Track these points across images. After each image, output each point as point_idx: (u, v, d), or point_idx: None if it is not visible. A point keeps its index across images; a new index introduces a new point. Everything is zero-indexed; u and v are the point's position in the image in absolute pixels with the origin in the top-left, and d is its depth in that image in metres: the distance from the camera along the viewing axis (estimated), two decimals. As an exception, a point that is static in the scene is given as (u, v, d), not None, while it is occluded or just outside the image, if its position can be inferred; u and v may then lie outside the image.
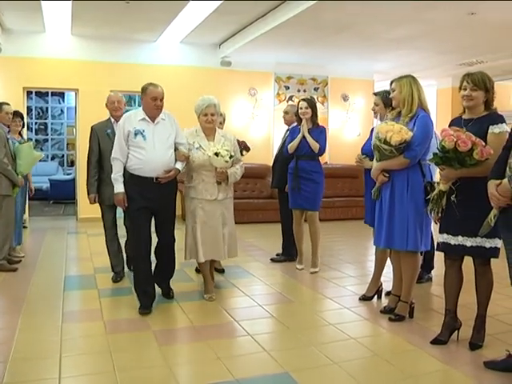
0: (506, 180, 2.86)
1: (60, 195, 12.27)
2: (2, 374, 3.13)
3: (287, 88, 10.99)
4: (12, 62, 8.93)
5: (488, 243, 3.38)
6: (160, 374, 3.20)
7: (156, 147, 4.30)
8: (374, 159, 4.15)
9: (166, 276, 4.73)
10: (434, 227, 3.96)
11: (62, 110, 15.49)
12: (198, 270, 5.38)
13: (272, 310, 4.47)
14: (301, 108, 5.75)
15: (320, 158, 5.89)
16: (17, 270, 5.71)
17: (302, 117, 5.73)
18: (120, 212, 4.99)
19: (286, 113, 6.37)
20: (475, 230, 3.32)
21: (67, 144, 15.41)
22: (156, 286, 4.59)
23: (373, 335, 3.98)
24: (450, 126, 3.56)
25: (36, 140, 14.36)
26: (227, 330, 4.01)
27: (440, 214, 3.58)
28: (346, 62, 10.77)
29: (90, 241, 7.56)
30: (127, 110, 4.99)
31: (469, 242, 3.42)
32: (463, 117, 3.58)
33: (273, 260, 6.37)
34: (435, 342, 3.62)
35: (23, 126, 6.68)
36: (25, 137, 7.30)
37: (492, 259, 3.46)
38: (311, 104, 5.79)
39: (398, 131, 3.83)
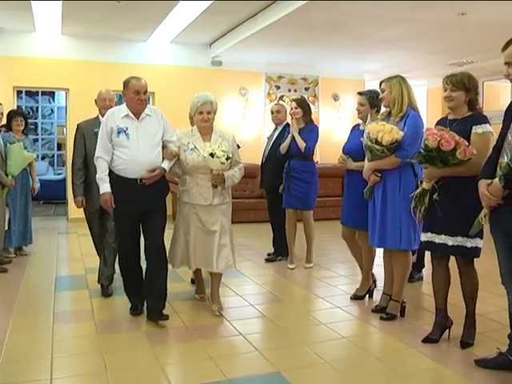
0: (496, 180, 2.88)
1: (50, 195, 12.17)
2: (-7, 375, 3.12)
3: (278, 88, 11.00)
4: (2, 61, 8.88)
5: (469, 243, 3.39)
6: (152, 374, 3.20)
7: (140, 145, 4.00)
8: (366, 159, 4.17)
9: (157, 293, 4.07)
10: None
11: (52, 110, 15.42)
12: (194, 281, 5.01)
13: (263, 310, 4.48)
14: (291, 108, 5.80)
15: (311, 157, 5.90)
16: (7, 270, 5.68)
17: (292, 116, 5.78)
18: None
19: (277, 112, 6.37)
20: (456, 230, 3.38)
21: (57, 144, 15.34)
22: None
23: (364, 334, 4.00)
24: (436, 125, 3.59)
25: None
26: (219, 329, 4.01)
27: (423, 213, 3.60)
28: (336, 62, 10.79)
29: (81, 241, 7.52)
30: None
31: (450, 241, 3.44)
32: (448, 117, 3.62)
33: (267, 260, 6.37)
34: (426, 340, 3.64)
35: (26, 126, 6.64)
36: (30, 136, 7.26)
37: (485, 258, 3.48)
38: (301, 104, 5.82)
39: (388, 131, 3.86)
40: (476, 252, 3.42)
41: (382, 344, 3.78)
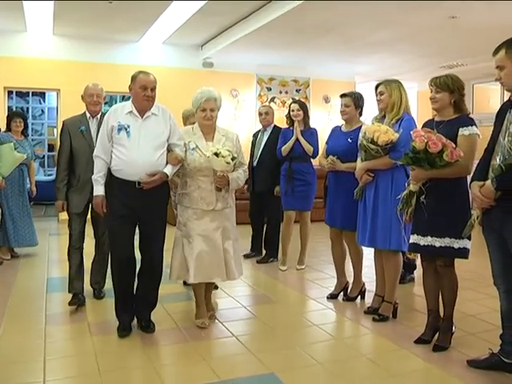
0: (488, 182, 2.90)
1: (41, 196, 12.06)
2: (-14, 377, 3.10)
3: (269, 89, 11.03)
4: (-7, 61, 8.84)
5: (457, 244, 3.41)
6: (145, 375, 3.20)
7: (140, 146, 3.67)
8: (359, 159, 4.20)
9: (147, 305, 3.96)
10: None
11: (42, 111, 15.33)
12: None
13: (256, 311, 4.48)
14: (292, 110, 5.81)
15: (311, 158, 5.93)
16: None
17: (294, 119, 5.78)
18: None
19: (266, 114, 6.37)
20: (444, 231, 3.40)
21: (48, 145, 15.25)
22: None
23: (357, 335, 4.01)
24: (422, 127, 3.61)
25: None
26: (212, 331, 3.99)
27: (410, 215, 3.62)
28: (327, 64, 10.84)
29: (72, 242, 7.47)
30: (106, 111, 4.14)
31: (437, 242, 3.45)
32: (435, 119, 3.65)
33: (251, 259, 6.49)
34: (419, 341, 3.65)
35: (25, 127, 6.59)
36: (29, 137, 7.23)
37: (476, 260, 3.50)
38: (303, 106, 5.85)
39: (384, 132, 3.91)
40: (464, 253, 3.44)
41: (375, 345, 3.80)
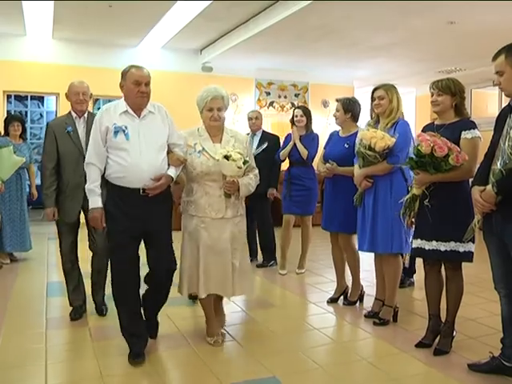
0: (489, 186, 2.91)
1: (39, 200, 12.05)
2: (-13, 381, 3.10)
3: (268, 94, 11.05)
4: (-8, 65, 8.85)
5: (462, 247, 3.42)
6: (147, 380, 3.19)
7: (143, 149, 3.30)
8: (356, 166, 4.21)
9: (156, 304, 3.69)
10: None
11: (41, 115, 15.35)
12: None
13: (256, 315, 4.48)
14: (296, 116, 5.85)
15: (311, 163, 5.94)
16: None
17: (297, 124, 5.82)
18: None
19: (256, 118, 6.40)
20: (449, 235, 3.41)
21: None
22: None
23: (358, 339, 4.01)
24: (423, 131, 3.61)
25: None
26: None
27: (413, 219, 3.62)
28: (326, 69, 10.87)
29: (71, 246, 7.46)
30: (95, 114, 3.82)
31: (443, 246, 3.45)
32: (435, 122, 3.66)
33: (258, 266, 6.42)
34: (420, 345, 3.66)
35: (24, 131, 6.59)
36: (28, 141, 7.22)
37: (477, 264, 3.51)
38: (306, 112, 5.89)
39: (381, 137, 3.91)
40: (469, 256, 3.45)
41: (376, 349, 3.80)
